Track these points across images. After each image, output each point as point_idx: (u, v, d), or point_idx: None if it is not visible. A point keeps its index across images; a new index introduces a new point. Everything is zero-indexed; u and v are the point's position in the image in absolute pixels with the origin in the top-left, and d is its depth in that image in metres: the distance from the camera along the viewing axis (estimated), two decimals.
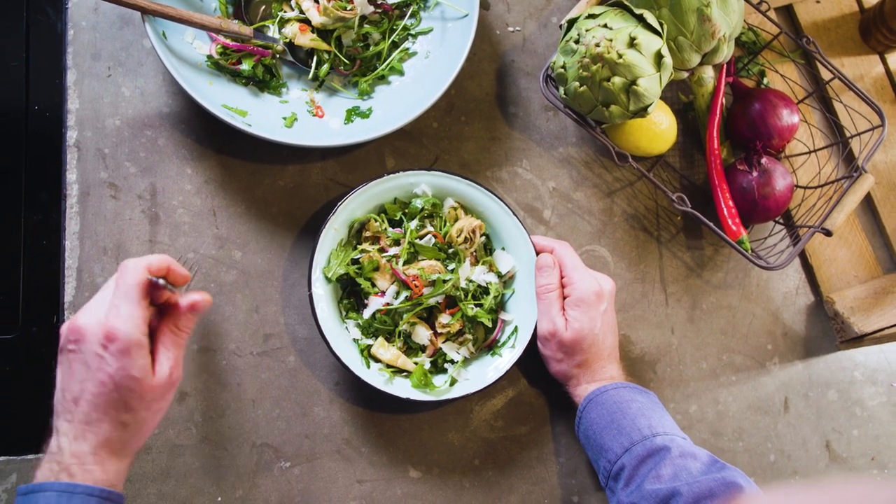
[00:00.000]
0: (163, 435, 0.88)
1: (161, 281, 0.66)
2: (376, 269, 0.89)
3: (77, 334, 0.65)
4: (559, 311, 0.87)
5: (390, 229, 0.91)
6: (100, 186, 0.93)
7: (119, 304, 0.65)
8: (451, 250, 0.92)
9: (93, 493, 0.64)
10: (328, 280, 0.89)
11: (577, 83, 0.87)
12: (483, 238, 0.94)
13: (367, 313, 0.89)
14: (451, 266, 0.91)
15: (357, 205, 0.90)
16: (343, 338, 0.88)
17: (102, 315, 0.64)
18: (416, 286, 0.88)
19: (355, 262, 0.90)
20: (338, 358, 0.85)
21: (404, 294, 0.88)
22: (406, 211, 0.92)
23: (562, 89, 0.91)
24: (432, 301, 0.88)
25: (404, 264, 0.90)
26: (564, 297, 0.88)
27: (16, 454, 0.86)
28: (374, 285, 0.89)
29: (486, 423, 0.94)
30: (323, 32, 0.96)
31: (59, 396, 0.66)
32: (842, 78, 0.96)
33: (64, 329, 0.66)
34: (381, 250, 0.91)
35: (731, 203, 0.96)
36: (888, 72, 1.07)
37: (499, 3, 1.04)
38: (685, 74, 0.94)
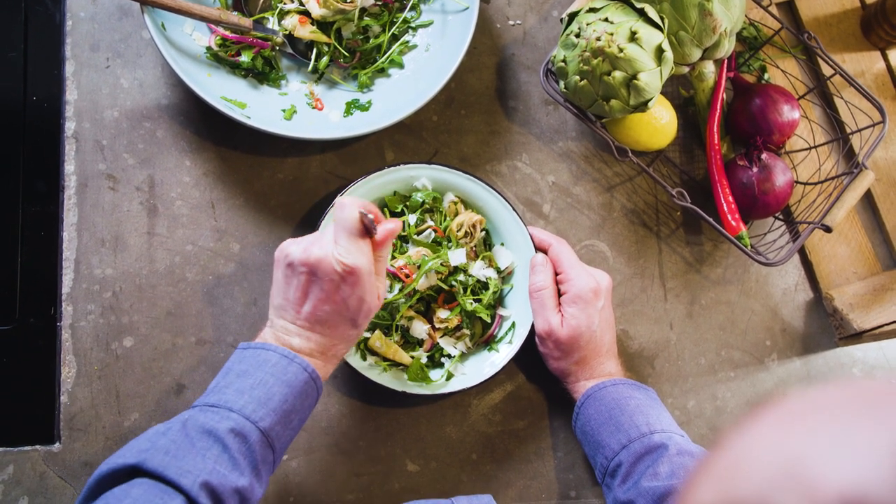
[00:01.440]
0: None
1: (370, 216, 0.73)
2: None
3: (314, 266, 0.72)
4: (553, 308, 0.87)
5: None
6: (98, 178, 0.92)
7: (346, 239, 0.72)
8: (449, 244, 0.91)
9: (306, 369, 0.73)
10: None
11: (577, 77, 0.87)
12: (483, 233, 0.94)
13: None
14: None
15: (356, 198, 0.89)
16: None
17: (332, 249, 0.72)
18: (406, 275, 0.87)
19: None
20: None
21: (398, 287, 0.88)
22: (407, 204, 0.92)
23: (562, 83, 0.91)
24: (422, 284, 0.88)
25: (392, 258, 0.89)
26: (561, 294, 0.88)
27: (13, 445, 0.86)
28: None
29: (484, 417, 0.94)
30: (323, 25, 0.96)
31: (280, 301, 0.76)
32: (843, 74, 0.96)
33: (296, 256, 0.74)
34: None
35: (730, 199, 0.95)
36: (889, 68, 1.07)
37: None
38: (686, 69, 0.94)
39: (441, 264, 0.88)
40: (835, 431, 0.27)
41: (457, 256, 0.89)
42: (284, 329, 0.75)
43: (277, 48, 0.96)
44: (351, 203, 0.73)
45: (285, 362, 0.72)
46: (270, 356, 0.72)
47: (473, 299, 0.90)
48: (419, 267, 0.88)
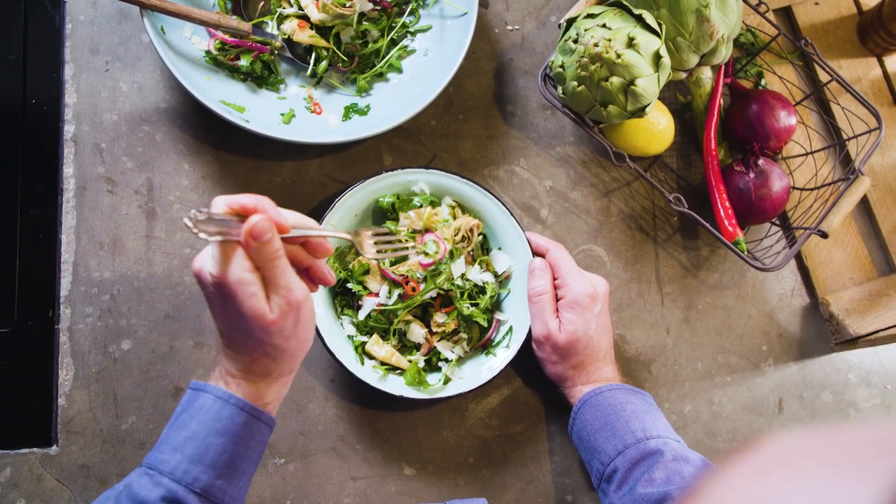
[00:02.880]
0: (157, 431, 0.88)
1: (196, 230, 0.56)
2: (367, 272, 0.89)
3: (198, 278, 0.64)
4: (552, 313, 0.87)
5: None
6: (97, 181, 0.93)
7: (214, 246, 0.61)
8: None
9: (244, 409, 0.66)
10: None
11: (575, 83, 0.88)
12: (480, 237, 0.94)
13: (362, 314, 0.89)
14: (444, 260, 0.91)
15: (354, 202, 0.90)
16: (338, 334, 0.89)
17: (207, 258, 0.62)
18: (411, 286, 0.88)
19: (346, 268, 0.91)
20: (332, 354, 0.85)
21: (397, 292, 0.88)
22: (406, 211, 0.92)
23: (560, 88, 0.91)
24: (426, 297, 0.89)
25: (394, 264, 0.90)
26: (558, 300, 0.88)
27: (10, 448, 0.86)
28: (365, 287, 0.90)
29: (480, 421, 0.94)
30: (322, 29, 0.96)
31: None
32: (839, 80, 0.96)
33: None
34: None
35: (727, 204, 0.96)
36: (885, 74, 1.07)
37: (498, 2, 1.04)
38: (683, 75, 0.94)
39: (445, 279, 0.89)
40: (811, 488, 0.26)
41: (458, 268, 0.89)
42: (217, 351, 0.70)
43: (276, 52, 0.96)
44: (216, 202, 0.61)
45: (219, 405, 0.66)
46: (205, 401, 0.67)
47: (471, 303, 0.90)
48: (426, 279, 0.88)
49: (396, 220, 0.92)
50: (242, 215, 0.61)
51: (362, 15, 0.97)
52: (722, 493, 0.29)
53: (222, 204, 0.61)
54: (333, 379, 0.92)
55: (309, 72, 0.96)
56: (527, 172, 1.01)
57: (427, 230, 0.85)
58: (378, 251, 0.79)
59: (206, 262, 0.62)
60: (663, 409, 0.96)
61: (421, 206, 0.90)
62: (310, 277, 0.69)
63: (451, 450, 0.93)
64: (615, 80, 0.85)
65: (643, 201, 1.02)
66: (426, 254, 0.83)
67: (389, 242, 0.82)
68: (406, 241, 0.84)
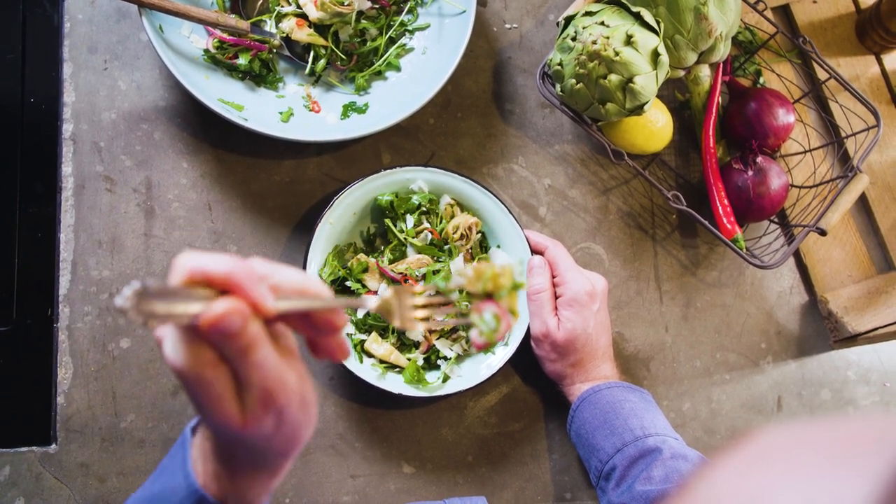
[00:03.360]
0: (157, 429, 0.88)
1: (132, 313, 0.39)
2: (365, 270, 0.89)
3: (160, 348, 0.48)
4: (551, 311, 0.87)
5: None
6: (95, 179, 0.93)
7: (174, 327, 0.44)
8: (446, 247, 0.92)
9: None
10: (323, 279, 0.89)
11: (573, 80, 0.88)
12: (479, 235, 0.94)
13: (360, 312, 0.89)
14: (442, 258, 0.91)
15: (353, 200, 0.90)
16: None
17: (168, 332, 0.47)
18: (409, 283, 0.88)
19: (345, 266, 0.91)
20: None
21: None
22: (404, 209, 0.92)
23: (558, 86, 0.91)
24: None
25: (392, 262, 0.90)
26: (557, 297, 0.88)
27: (9, 447, 0.86)
28: (364, 285, 0.90)
29: (479, 419, 0.94)
30: (320, 27, 0.96)
31: None
32: (838, 78, 0.96)
33: None
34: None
35: (726, 202, 0.96)
36: (884, 72, 1.07)
37: (496, 0, 1.04)
38: (682, 73, 0.94)
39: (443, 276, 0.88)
40: (807, 479, 0.25)
41: (457, 265, 0.89)
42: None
43: (275, 51, 0.96)
44: (176, 266, 0.43)
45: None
46: (178, 487, 0.53)
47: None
48: (424, 277, 0.88)
49: (395, 218, 0.92)
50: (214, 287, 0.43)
51: (361, 13, 0.97)
52: (713, 486, 0.29)
53: (183, 271, 0.42)
54: (332, 377, 0.92)
55: (307, 70, 0.96)
56: (525, 170, 1.01)
57: (488, 296, 0.58)
58: (416, 317, 0.58)
59: (166, 337, 0.45)
60: (662, 406, 0.96)
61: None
62: (314, 347, 0.52)
63: (451, 448, 0.93)
64: (613, 77, 0.85)
65: (642, 199, 1.02)
66: (480, 331, 0.57)
67: (433, 306, 0.59)
68: (457, 304, 0.60)
